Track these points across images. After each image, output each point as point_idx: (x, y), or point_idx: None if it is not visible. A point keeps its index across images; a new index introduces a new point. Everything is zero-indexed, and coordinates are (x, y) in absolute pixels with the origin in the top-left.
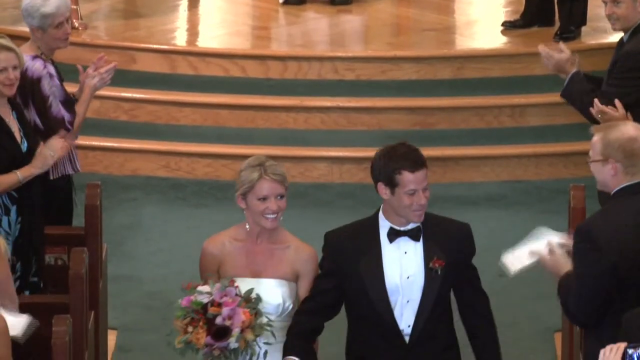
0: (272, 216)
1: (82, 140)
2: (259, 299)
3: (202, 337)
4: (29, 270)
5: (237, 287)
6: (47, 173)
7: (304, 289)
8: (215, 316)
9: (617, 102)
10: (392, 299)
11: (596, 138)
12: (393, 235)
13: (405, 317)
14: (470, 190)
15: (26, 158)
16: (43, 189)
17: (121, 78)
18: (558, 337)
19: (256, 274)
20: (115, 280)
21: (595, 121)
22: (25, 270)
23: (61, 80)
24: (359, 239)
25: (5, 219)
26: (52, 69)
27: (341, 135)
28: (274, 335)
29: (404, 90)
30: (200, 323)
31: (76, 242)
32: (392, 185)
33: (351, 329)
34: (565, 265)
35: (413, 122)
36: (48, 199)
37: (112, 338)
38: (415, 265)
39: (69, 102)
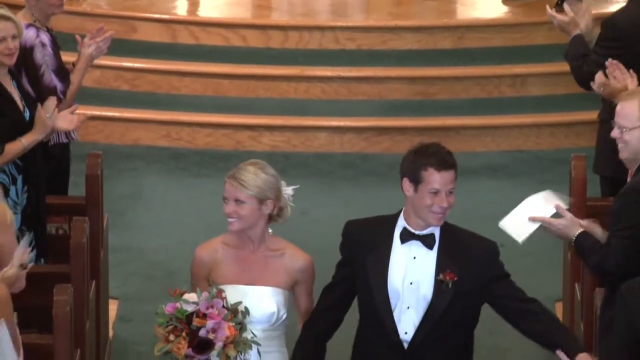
0: (231, 219)
1: (83, 110)
2: (246, 312)
3: (183, 348)
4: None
5: (224, 298)
6: (45, 141)
7: (302, 295)
8: (199, 328)
9: (617, 72)
10: (392, 302)
11: (630, 105)
12: (406, 236)
13: (404, 324)
14: (471, 160)
15: (29, 127)
16: (43, 157)
17: (122, 48)
18: (559, 307)
19: (250, 282)
20: (116, 250)
21: (587, 87)
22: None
23: (57, 49)
24: (374, 234)
25: (12, 188)
26: (45, 38)
27: (342, 104)
28: (258, 352)
29: (404, 60)
30: (183, 333)
31: (77, 212)
32: (417, 181)
33: (360, 325)
34: (575, 227)
35: (414, 91)
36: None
37: (113, 308)
38: (421, 273)
39: (63, 71)
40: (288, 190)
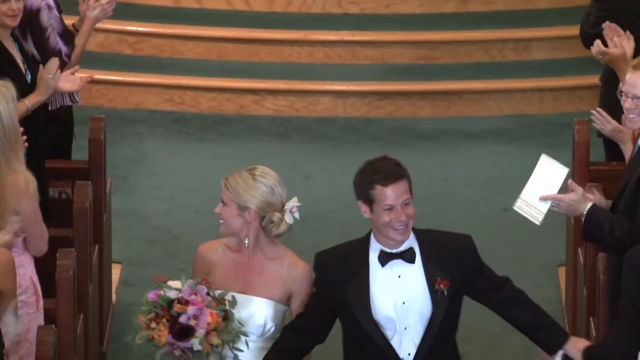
0: (220, 220)
1: (87, 74)
2: (234, 301)
3: (164, 335)
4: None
5: (210, 286)
6: (46, 104)
7: (296, 307)
8: (179, 314)
9: (615, 38)
10: (387, 327)
11: None
12: (385, 258)
13: (405, 345)
14: (474, 124)
15: (31, 89)
16: (44, 119)
17: (125, 12)
18: (562, 271)
19: (245, 289)
20: (119, 214)
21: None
22: None
23: (60, 12)
24: (348, 263)
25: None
26: (50, 1)
27: (345, 69)
28: (247, 344)
29: (408, 24)
30: (164, 320)
31: (80, 176)
32: (370, 201)
33: (346, 353)
34: (584, 201)
35: (417, 56)
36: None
37: (116, 272)
38: (413, 289)
39: (68, 34)
40: (290, 204)
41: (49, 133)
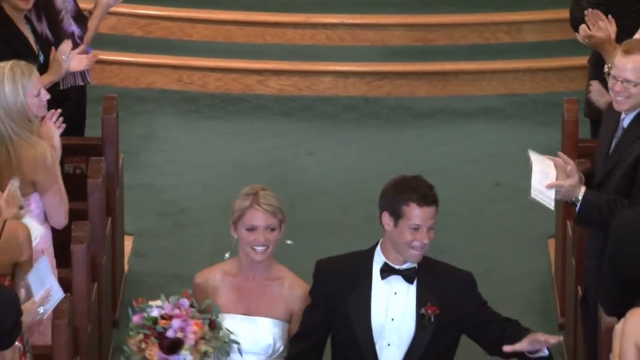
0: (260, 248)
1: (100, 55)
2: (216, 310)
3: (155, 353)
4: None
5: (191, 298)
6: (57, 83)
7: (295, 326)
8: (165, 329)
9: (600, 22)
10: (375, 338)
11: (635, 59)
12: (386, 271)
13: None
14: (468, 103)
15: (43, 69)
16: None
17: None
18: (552, 243)
19: (248, 312)
20: (131, 188)
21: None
22: None
23: None
24: (350, 272)
25: None
26: None
27: (346, 50)
28: (240, 352)
29: (405, 7)
30: (152, 338)
31: (94, 152)
32: (397, 216)
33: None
34: (579, 187)
35: (414, 38)
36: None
37: (128, 243)
38: (403, 308)
39: (81, 17)
40: None
41: (62, 112)
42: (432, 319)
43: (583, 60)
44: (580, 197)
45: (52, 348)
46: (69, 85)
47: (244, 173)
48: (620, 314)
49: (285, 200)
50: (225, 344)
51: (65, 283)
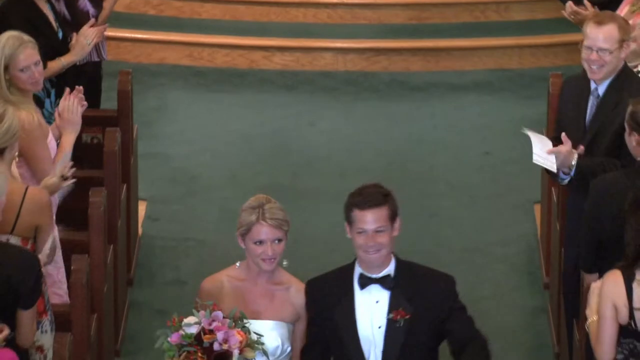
0: (269, 259)
1: (115, 32)
2: (243, 315)
3: None
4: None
5: (221, 309)
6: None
7: (300, 332)
8: (212, 343)
9: (585, 1)
10: (365, 349)
11: (609, 28)
12: (364, 281)
13: None
14: (460, 77)
15: (62, 45)
16: (72, 74)
17: None
18: (537, 208)
19: (255, 315)
20: (144, 157)
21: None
22: None
23: None
24: (335, 287)
25: (47, 101)
26: None
27: (346, 28)
28: (265, 353)
29: None
30: (199, 354)
31: (110, 123)
32: (350, 223)
33: None
34: (573, 153)
35: (409, 16)
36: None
37: (142, 208)
38: (385, 315)
39: None
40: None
41: (79, 85)
42: (402, 324)
43: (567, 38)
44: (574, 163)
45: (71, 306)
46: (85, 62)
47: (249, 142)
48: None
49: (288, 168)
50: (260, 346)
51: (83, 245)
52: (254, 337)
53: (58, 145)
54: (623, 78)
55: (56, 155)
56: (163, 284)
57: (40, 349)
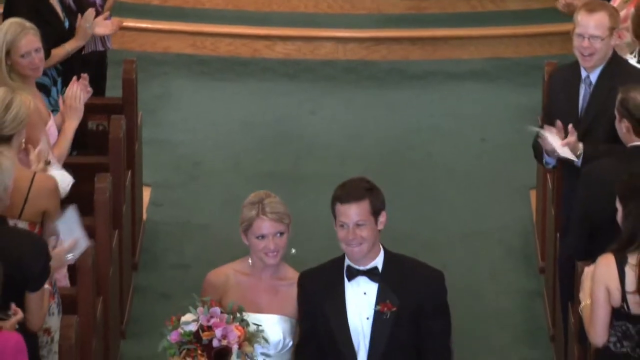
0: (272, 254)
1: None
2: (241, 308)
3: None
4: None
5: (219, 305)
6: (80, 49)
7: None
8: (210, 340)
9: None
10: (354, 339)
11: (599, 16)
12: (351, 273)
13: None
14: (457, 66)
15: (68, 34)
16: (79, 62)
17: None
18: (533, 194)
19: (258, 309)
20: (148, 144)
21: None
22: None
23: None
24: (326, 280)
25: (54, 89)
26: None
27: (346, 18)
28: (266, 340)
29: None
30: (199, 351)
31: (115, 110)
32: (334, 216)
33: None
34: (577, 143)
35: (407, 6)
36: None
37: (146, 194)
38: (372, 307)
39: None
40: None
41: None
42: (388, 316)
43: (562, 27)
44: (579, 153)
45: (77, 289)
46: (90, 51)
47: (252, 130)
48: (587, 257)
49: (290, 155)
50: (259, 338)
51: (89, 230)
52: (253, 327)
53: (59, 132)
54: (614, 65)
55: (57, 140)
56: (167, 268)
57: (47, 331)
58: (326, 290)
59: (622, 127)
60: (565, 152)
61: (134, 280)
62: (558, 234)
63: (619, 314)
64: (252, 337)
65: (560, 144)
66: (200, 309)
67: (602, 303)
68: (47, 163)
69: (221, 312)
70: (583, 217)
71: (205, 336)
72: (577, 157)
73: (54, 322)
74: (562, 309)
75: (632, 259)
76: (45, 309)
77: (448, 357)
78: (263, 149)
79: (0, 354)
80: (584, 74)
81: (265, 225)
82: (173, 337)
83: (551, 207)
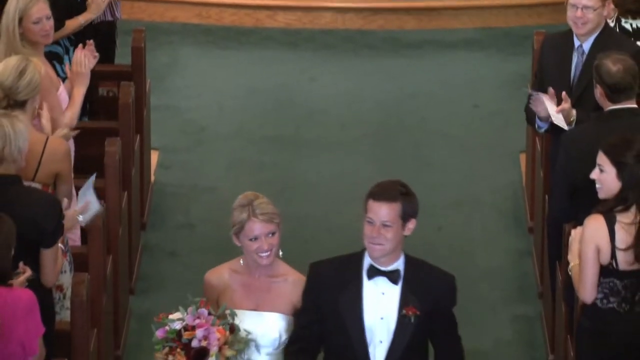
0: (264, 254)
1: None
2: (233, 313)
3: None
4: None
5: (209, 306)
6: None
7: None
8: (190, 340)
9: None
10: (367, 337)
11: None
12: (372, 272)
13: (378, 358)
14: (450, 35)
15: (81, 6)
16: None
17: None
18: (523, 157)
19: (254, 307)
20: (156, 109)
21: None
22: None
23: None
24: (341, 274)
25: (66, 57)
26: None
27: None
28: (257, 349)
29: None
30: (178, 349)
31: (124, 78)
32: (364, 211)
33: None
34: (572, 110)
35: None
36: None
37: (154, 157)
38: (390, 308)
39: None
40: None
41: (95, 43)
42: (413, 320)
43: None
44: (573, 119)
45: (88, 248)
46: (100, 21)
47: (255, 96)
48: (570, 219)
49: (291, 120)
50: (246, 345)
51: (99, 192)
52: (243, 333)
53: (69, 98)
54: (607, 35)
55: (68, 107)
56: (174, 228)
57: (59, 287)
58: (341, 284)
59: (597, 93)
60: (558, 120)
61: (143, 239)
62: (546, 196)
63: (607, 271)
64: (234, 342)
65: (555, 110)
66: (189, 309)
67: (592, 261)
68: (73, 129)
69: (209, 314)
70: (564, 180)
71: (186, 335)
72: (571, 123)
73: (66, 279)
74: (550, 267)
75: (622, 218)
76: (59, 266)
77: (459, 344)
78: (266, 114)
79: (12, 311)
80: (576, 42)
81: (257, 227)
82: (160, 333)
83: (540, 169)
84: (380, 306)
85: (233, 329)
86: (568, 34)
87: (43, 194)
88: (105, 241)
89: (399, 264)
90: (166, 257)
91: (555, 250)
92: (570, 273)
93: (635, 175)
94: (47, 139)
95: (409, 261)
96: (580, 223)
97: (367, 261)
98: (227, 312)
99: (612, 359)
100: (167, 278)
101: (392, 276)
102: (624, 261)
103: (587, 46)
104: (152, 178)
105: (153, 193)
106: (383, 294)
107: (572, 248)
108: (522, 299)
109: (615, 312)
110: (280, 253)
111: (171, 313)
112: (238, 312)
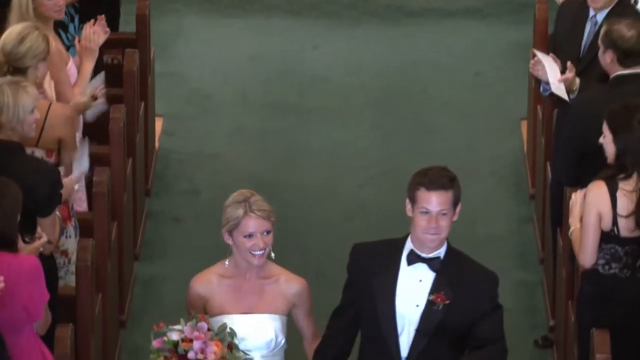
0: (259, 252)
1: None
2: (233, 332)
3: None
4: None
5: (208, 321)
6: None
7: (302, 317)
8: (187, 351)
9: None
10: (399, 323)
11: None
12: (413, 258)
13: (404, 346)
14: (452, 3)
15: None
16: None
17: None
18: (524, 124)
19: (247, 310)
20: (161, 77)
21: None
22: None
23: None
24: (380, 258)
25: (71, 25)
26: None
27: None
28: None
29: None
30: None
31: (129, 45)
32: (412, 201)
33: (362, 343)
34: (575, 79)
35: None
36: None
37: (158, 124)
38: (426, 296)
39: None
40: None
41: (99, 11)
42: (440, 307)
43: None
44: (575, 88)
45: (93, 214)
46: None
47: (258, 64)
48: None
49: (293, 88)
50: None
51: (105, 158)
52: (241, 355)
53: (78, 72)
54: (622, 8)
55: (77, 80)
56: (178, 194)
57: (64, 253)
58: (379, 268)
59: (607, 58)
60: (558, 90)
61: (147, 205)
62: (548, 162)
63: (608, 237)
64: (231, 358)
65: (557, 79)
66: (189, 323)
67: (593, 227)
68: (95, 99)
69: (208, 330)
70: (571, 146)
71: (183, 346)
72: (573, 91)
73: (71, 244)
74: (551, 233)
75: (624, 186)
76: (56, 235)
77: (502, 349)
78: (269, 82)
79: (16, 276)
80: (591, 12)
81: (254, 224)
82: (156, 343)
83: (541, 136)
84: (416, 294)
85: (231, 347)
86: (584, 2)
87: (39, 163)
88: (110, 207)
89: (440, 252)
90: (170, 223)
91: (557, 215)
92: (570, 237)
93: (628, 141)
94: (49, 105)
95: (451, 251)
96: (582, 187)
97: (408, 246)
98: (227, 331)
99: (613, 324)
100: (171, 244)
101: (432, 263)
102: (625, 228)
103: (600, 17)
104: (157, 145)
105: (157, 159)
106: (420, 281)
107: (573, 212)
108: (524, 265)
109: (617, 278)
110: (272, 255)
111: (172, 324)
112: (231, 317)
